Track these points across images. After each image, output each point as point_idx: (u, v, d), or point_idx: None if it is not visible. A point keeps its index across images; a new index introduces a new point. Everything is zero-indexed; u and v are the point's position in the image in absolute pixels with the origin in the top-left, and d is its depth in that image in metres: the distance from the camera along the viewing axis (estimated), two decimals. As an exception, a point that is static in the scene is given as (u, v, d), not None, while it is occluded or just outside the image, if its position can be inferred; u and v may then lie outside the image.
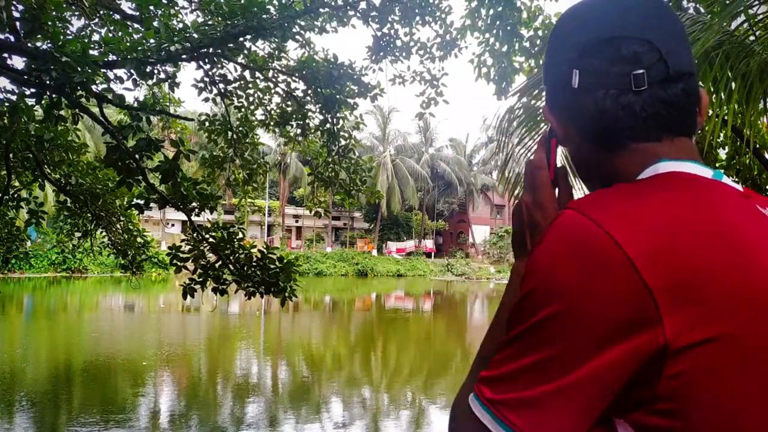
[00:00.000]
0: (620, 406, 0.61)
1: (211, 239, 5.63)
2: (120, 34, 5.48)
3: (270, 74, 6.75)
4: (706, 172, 0.68)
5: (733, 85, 2.82)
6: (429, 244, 51.14)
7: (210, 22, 4.99)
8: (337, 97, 6.07)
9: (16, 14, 4.11)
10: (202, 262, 5.57)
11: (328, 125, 6.74)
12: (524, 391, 0.60)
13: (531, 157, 0.85)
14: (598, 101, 0.71)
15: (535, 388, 0.60)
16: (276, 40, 5.98)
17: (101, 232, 7.75)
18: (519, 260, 0.82)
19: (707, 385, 0.58)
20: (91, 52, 4.14)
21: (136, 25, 5.92)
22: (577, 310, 0.59)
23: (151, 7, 5.29)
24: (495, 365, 0.64)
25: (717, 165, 4.92)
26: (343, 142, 6.95)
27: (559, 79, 0.75)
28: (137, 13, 5.78)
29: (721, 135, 5.06)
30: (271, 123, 7.42)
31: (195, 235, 5.69)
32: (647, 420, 0.60)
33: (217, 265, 5.62)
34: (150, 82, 5.62)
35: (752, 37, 3.09)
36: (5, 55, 4.41)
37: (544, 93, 0.77)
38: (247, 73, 6.64)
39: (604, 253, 0.58)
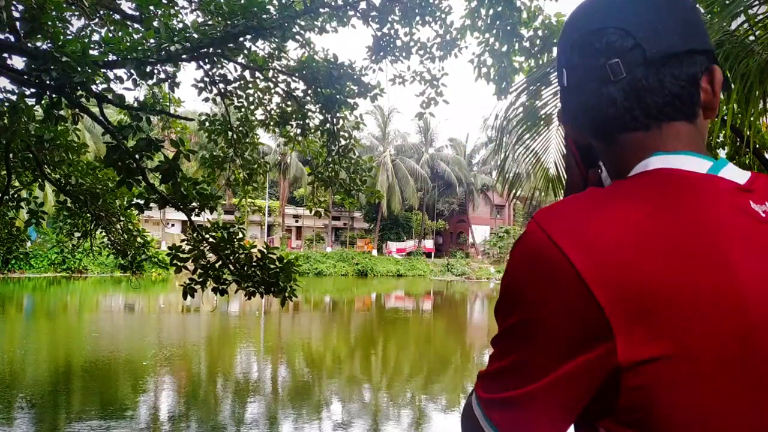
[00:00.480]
0: (593, 413, 0.62)
1: (211, 239, 5.63)
2: (120, 34, 5.48)
3: (270, 74, 6.75)
4: (701, 165, 0.65)
5: (733, 85, 2.81)
6: (429, 244, 51.13)
7: (210, 22, 4.99)
8: (337, 97, 6.07)
9: (16, 14, 4.11)
10: (202, 262, 5.57)
11: (328, 125, 6.75)
12: (504, 392, 0.64)
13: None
14: (583, 96, 0.72)
15: (512, 390, 0.63)
16: (276, 40, 5.98)
17: (101, 232, 7.75)
18: None
19: (665, 398, 0.57)
20: (91, 52, 4.14)
21: (136, 25, 5.92)
22: (535, 321, 0.61)
23: (151, 7, 5.29)
24: (489, 363, 0.68)
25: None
26: (343, 142, 6.96)
27: (560, 81, 0.76)
28: (137, 13, 5.78)
29: (721, 135, 5.07)
30: (271, 123, 7.42)
31: (195, 235, 5.69)
32: (617, 429, 0.60)
33: (217, 265, 5.62)
34: (150, 82, 5.62)
35: (752, 37, 3.09)
36: (5, 55, 4.41)
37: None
38: (247, 73, 6.64)
39: (555, 268, 0.59)
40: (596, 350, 0.58)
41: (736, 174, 0.65)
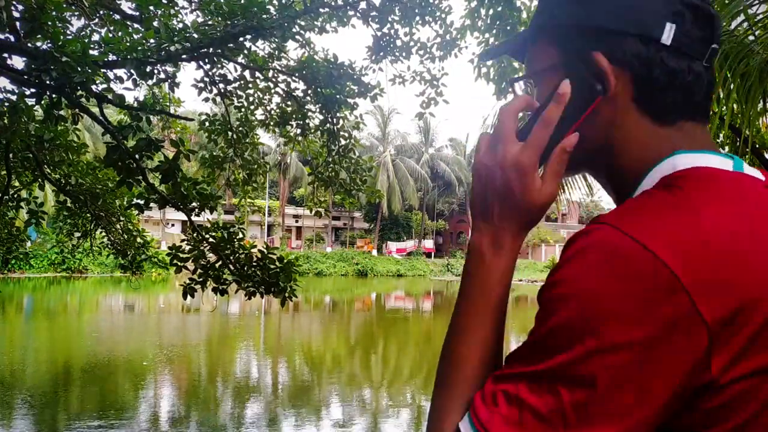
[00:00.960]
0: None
1: (211, 239, 5.64)
2: (120, 34, 5.48)
3: (270, 74, 6.75)
4: (726, 164, 0.62)
5: (731, 84, 2.82)
6: (428, 244, 51.14)
7: (210, 22, 4.99)
8: (337, 97, 6.07)
9: (16, 14, 4.11)
10: (202, 262, 5.57)
11: (328, 125, 6.75)
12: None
13: (531, 99, 0.69)
14: (682, 66, 0.63)
15: (575, 427, 0.52)
16: (276, 40, 5.98)
17: (101, 232, 7.75)
18: (478, 233, 0.68)
19: (759, 413, 0.54)
20: (91, 52, 4.14)
21: (136, 25, 5.92)
22: (625, 345, 0.51)
23: (151, 7, 5.29)
24: (523, 397, 0.55)
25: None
26: (343, 142, 6.96)
27: (634, 26, 0.63)
28: (137, 13, 5.78)
29: (720, 135, 5.07)
30: (271, 123, 7.42)
31: (195, 235, 5.69)
32: None
33: (217, 265, 5.62)
34: (150, 82, 5.62)
35: (751, 37, 3.09)
36: (5, 55, 4.41)
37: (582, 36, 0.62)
38: (247, 73, 6.64)
39: (653, 279, 0.51)
40: (694, 369, 0.52)
41: (755, 172, 0.63)
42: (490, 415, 0.56)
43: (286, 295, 5.55)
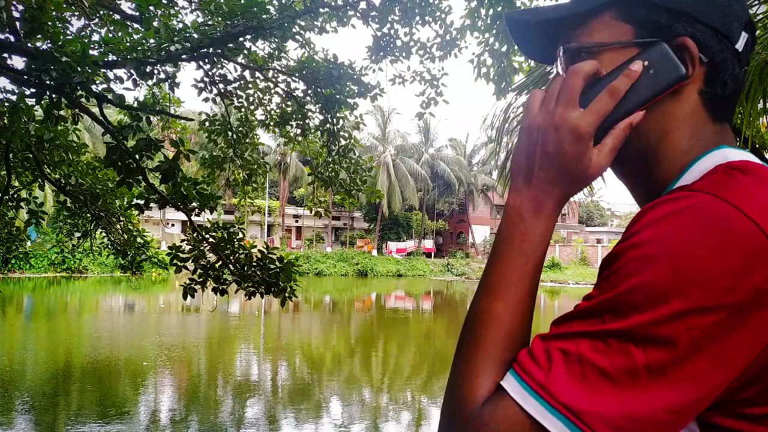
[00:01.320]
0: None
1: (211, 239, 5.64)
2: (120, 34, 5.49)
3: (270, 74, 6.75)
4: (757, 162, 0.64)
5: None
6: (428, 244, 51.14)
7: (210, 22, 4.99)
8: (337, 97, 6.07)
9: (16, 14, 4.11)
10: (202, 262, 5.57)
11: (328, 125, 6.74)
12: (631, 395, 0.51)
13: (599, 66, 0.66)
14: (740, 74, 0.66)
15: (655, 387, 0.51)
16: (276, 40, 5.98)
17: (101, 232, 7.75)
18: (518, 195, 0.66)
19: None
20: (91, 52, 4.14)
21: (136, 25, 5.92)
22: (719, 309, 0.50)
23: (151, 7, 5.29)
24: (572, 359, 0.52)
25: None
26: (343, 142, 6.96)
27: (724, 25, 0.65)
28: (137, 13, 5.78)
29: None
30: (271, 123, 7.42)
31: (195, 235, 5.69)
32: (737, 425, 0.55)
33: (217, 265, 5.62)
34: (150, 82, 5.62)
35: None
36: (5, 55, 4.41)
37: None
38: (247, 73, 6.64)
39: (755, 247, 0.51)
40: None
41: None
42: (545, 372, 0.53)
43: (286, 295, 5.55)
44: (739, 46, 0.64)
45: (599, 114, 0.63)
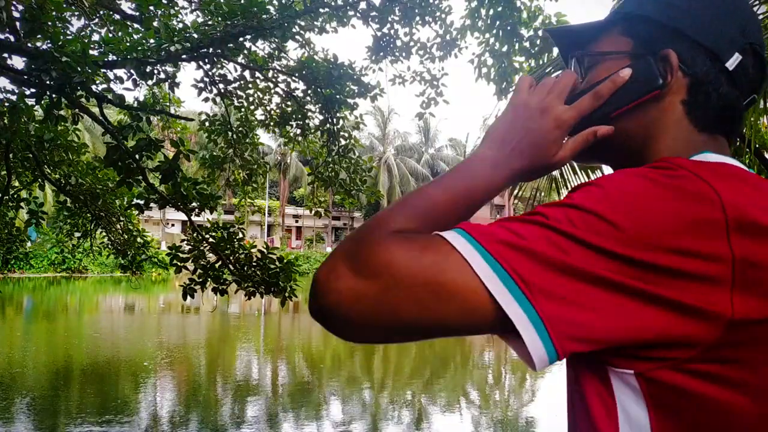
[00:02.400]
0: (639, 356, 0.57)
1: (211, 239, 5.64)
2: (120, 34, 5.49)
3: (270, 74, 6.75)
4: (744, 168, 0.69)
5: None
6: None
7: (210, 22, 4.99)
8: (337, 97, 6.07)
9: (16, 14, 4.11)
10: (202, 262, 5.57)
11: (328, 125, 6.74)
12: (559, 254, 0.55)
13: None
14: (731, 94, 0.70)
15: (584, 266, 0.54)
16: (276, 40, 5.98)
17: (101, 232, 7.75)
18: (489, 150, 0.72)
19: (761, 359, 0.57)
20: (91, 52, 4.14)
21: (136, 25, 5.92)
22: (654, 248, 0.54)
23: (151, 7, 5.29)
24: (505, 227, 0.58)
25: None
26: (343, 142, 6.95)
27: (711, 43, 0.70)
28: (137, 13, 5.78)
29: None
30: (271, 123, 7.42)
31: (195, 235, 5.69)
32: (680, 380, 0.57)
33: (217, 265, 5.62)
34: (150, 82, 5.62)
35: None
36: (5, 55, 4.41)
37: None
38: (247, 73, 6.64)
39: (708, 211, 0.55)
40: (705, 295, 0.55)
41: None
42: (478, 226, 0.58)
43: (286, 295, 5.55)
44: (730, 65, 0.69)
45: (580, 111, 0.72)
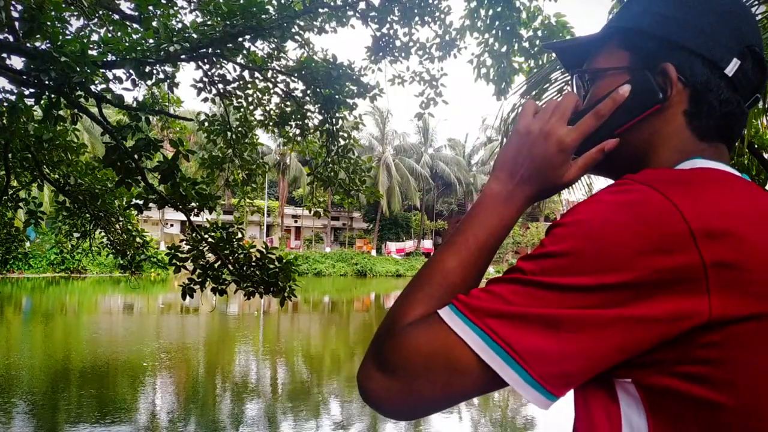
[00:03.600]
0: (632, 364, 0.60)
1: (210, 239, 5.63)
2: (119, 34, 5.48)
3: (269, 74, 6.74)
4: (738, 174, 0.70)
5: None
6: (428, 244, 51.11)
7: (209, 22, 4.98)
8: (336, 97, 6.07)
9: (15, 14, 4.11)
10: (201, 262, 5.57)
11: (327, 125, 6.74)
12: (538, 308, 0.59)
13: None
14: (733, 99, 0.71)
15: (555, 308, 0.58)
16: (275, 40, 5.98)
17: (100, 232, 7.74)
18: (498, 183, 0.75)
19: (742, 356, 0.58)
20: (90, 52, 4.14)
21: (135, 25, 5.91)
22: (628, 271, 0.57)
23: (150, 7, 5.28)
24: (510, 272, 0.62)
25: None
26: (342, 142, 6.95)
27: (709, 52, 0.70)
28: (136, 13, 5.77)
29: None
30: (270, 123, 7.41)
31: (194, 235, 5.69)
32: (670, 383, 0.59)
33: (216, 265, 5.61)
34: (149, 83, 5.62)
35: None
36: (4, 55, 4.41)
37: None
38: (246, 73, 6.64)
39: (672, 224, 0.57)
40: (681, 301, 0.57)
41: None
42: (474, 301, 0.62)
43: (285, 295, 5.54)
44: (729, 71, 0.69)
45: (582, 132, 0.72)
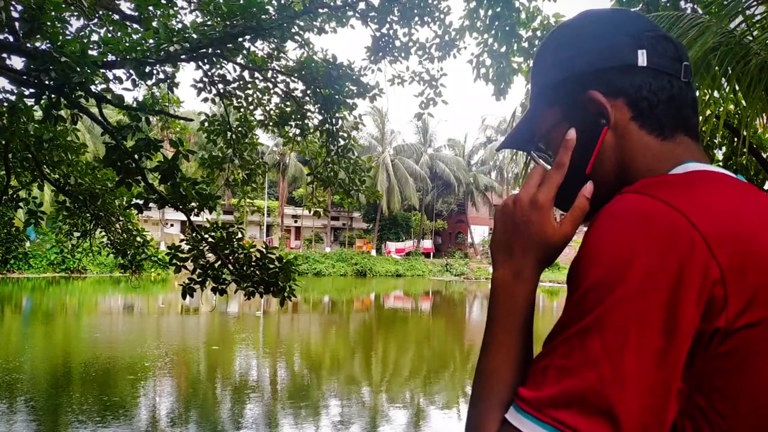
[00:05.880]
0: None
1: (210, 239, 5.64)
2: (119, 34, 5.49)
3: (269, 74, 6.75)
4: (732, 175, 0.71)
5: (728, 86, 2.82)
6: (427, 244, 51.11)
7: (209, 23, 4.99)
8: (336, 97, 6.08)
9: (15, 14, 4.11)
10: (202, 262, 5.57)
11: (327, 125, 6.75)
12: (591, 384, 0.57)
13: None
14: (663, 82, 0.72)
15: (612, 372, 0.57)
16: (275, 40, 5.98)
17: (100, 232, 7.75)
18: (501, 268, 0.75)
19: (755, 363, 0.59)
20: (90, 52, 4.15)
21: (135, 26, 5.92)
22: (651, 291, 0.57)
23: (150, 7, 5.29)
24: (548, 357, 0.61)
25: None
26: (342, 142, 6.96)
27: (615, 60, 0.73)
28: (136, 14, 5.78)
29: (718, 135, 5.08)
30: (270, 123, 7.42)
31: (194, 235, 5.69)
32: (695, 396, 0.60)
33: (216, 265, 5.62)
34: (149, 83, 5.62)
35: (749, 38, 3.10)
36: (4, 55, 4.42)
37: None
38: (246, 74, 6.65)
39: (683, 234, 0.58)
40: (709, 318, 0.57)
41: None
42: (534, 392, 0.60)
43: (285, 294, 5.55)
44: (642, 62, 0.72)
45: (551, 186, 0.73)
